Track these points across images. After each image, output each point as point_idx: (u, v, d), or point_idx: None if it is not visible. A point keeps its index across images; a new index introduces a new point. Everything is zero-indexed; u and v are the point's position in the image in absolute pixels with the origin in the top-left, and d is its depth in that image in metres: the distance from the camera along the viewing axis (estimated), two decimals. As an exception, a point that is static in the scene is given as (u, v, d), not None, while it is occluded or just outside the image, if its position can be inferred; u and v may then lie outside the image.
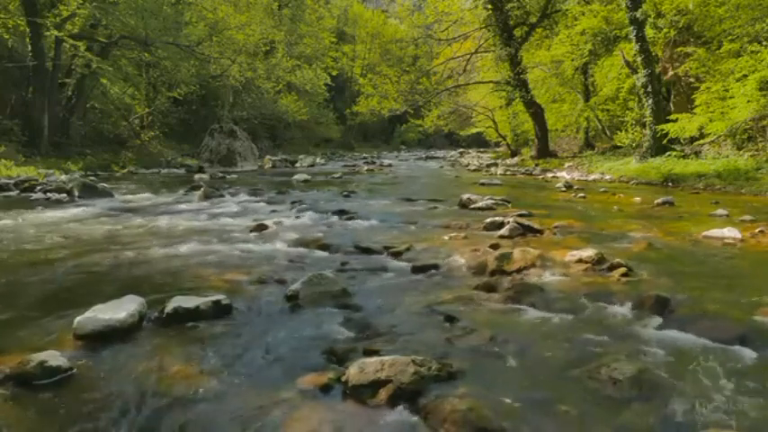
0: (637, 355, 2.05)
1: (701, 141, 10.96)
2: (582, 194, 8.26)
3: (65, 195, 7.49)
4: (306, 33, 29.80)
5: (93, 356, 2.04)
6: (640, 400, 1.73)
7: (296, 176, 12.04)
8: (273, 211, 6.32)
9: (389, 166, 18.65)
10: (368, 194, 8.63)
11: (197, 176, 12.67)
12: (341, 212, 5.93)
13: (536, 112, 18.42)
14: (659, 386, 1.81)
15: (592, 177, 12.05)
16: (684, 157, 11.31)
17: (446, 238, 4.42)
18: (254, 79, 20.49)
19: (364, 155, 28.31)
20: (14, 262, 3.63)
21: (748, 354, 2.07)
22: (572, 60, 17.35)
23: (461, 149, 34.68)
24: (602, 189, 9.20)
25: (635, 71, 13.09)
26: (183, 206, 6.77)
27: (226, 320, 2.47)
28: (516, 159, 19.32)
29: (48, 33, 13.02)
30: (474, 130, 28.43)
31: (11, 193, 8.02)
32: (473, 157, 24.12)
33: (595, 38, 16.30)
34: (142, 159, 15.87)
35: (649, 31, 12.89)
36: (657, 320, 2.45)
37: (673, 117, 11.12)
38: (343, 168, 16.57)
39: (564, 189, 9.28)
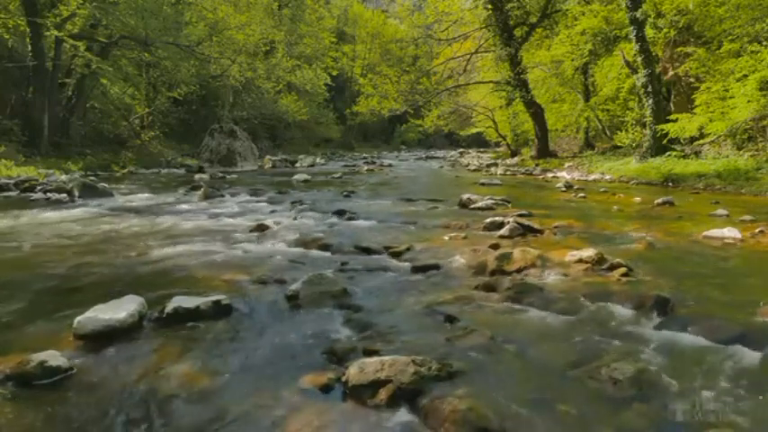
0: (637, 355, 2.05)
1: (701, 141, 10.96)
2: (582, 194, 8.26)
3: (65, 195, 7.48)
4: (306, 33, 29.81)
5: (94, 356, 2.04)
6: (640, 400, 1.73)
7: (296, 176, 12.04)
8: (273, 211, 6.32)
9: (389, 166, 18.65)
10: (368, 194, 8.63)
11: (197, 176, 12.67)
12: (341, 212, 5.93)
13: (536, 112, 18.42)
14: (659, 386, 1.81)
15: (592, 177, 12.04)
16: (684, 157, 11.31)
17: (446, 238, 4.42)
18: (254, 79, 20.49)
19: (364, 155, 28.30)
20: (15, 262, 3.63)
21: (748, 354, 2.06)
22: (572, 60, 17.35)
23: (461, 149, 34.67)
24: (602, 189, 9.20)
25: (635, 71, 13.09)
26: (183, 206, 6.77)
27: (226, 320, 2.47)
28: (516, 159, 19.32)
29: (48, 33, 13.02)
30: (474, 130, 28.43)
31: (11, 193, 8.02)
32: (473, 157, 24.11)
33: (595, 38, 16.30)
34: (142, 159, 15.87)
35: (649, 31, 12.89)
36: (657, 320, 2.45)
37: (673, 117, 11.12)
38: (343, 168, 16.58)
39: (564, 189, 9.28)
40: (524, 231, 4.51)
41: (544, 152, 18.29)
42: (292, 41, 27.21)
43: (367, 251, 3.95)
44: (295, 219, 5.57)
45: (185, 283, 3.09)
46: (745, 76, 9.57)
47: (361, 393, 1.75)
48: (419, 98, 21.69)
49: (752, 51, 9.69)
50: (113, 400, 1.73)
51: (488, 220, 4.88)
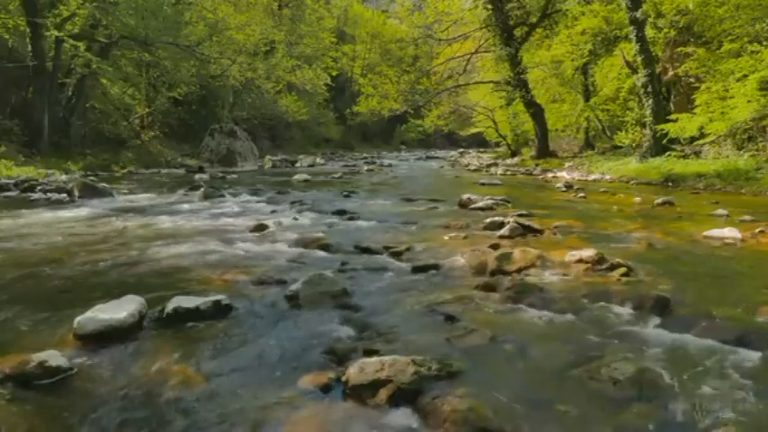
0: (637, 355, 2.05)
1: (701, 141, 10.95)
2: (582, 194, 8.26)
3: (65, 195, 7.49)
4: (306, 33, 29.79)
5: (94, 356, 2.04)
6: (640, 400, 1.73)
7: (296, 176, 12.04)
8: (273, 211, 6.32)
9: (389, 166, 18.65)
10: (368, 194, 8.63)
11: (197, 176, 12.67)
12: (341, 212, 5.94)
13: (536, 112, 18.43)
14: (659, 386, 1.81)
15: (592, 177, 12.04)
16: (684, 157, 11.31)
17: (446, 238, 4.42)
18: (254, 79, 20.48)
19: (364, 155, 28.30)
20: (15, 262, 3.63)
21: (748, 354, 2.06)
22: (572, 60, 17.36)
23: (461, 149, 34.66)
24: (602, 189, 9.21)
25: (635, 71, 13.09)
26: (183, 206, 6.78)
27: (226, 320, 2.47)
28: (516, 159, 19.32)
29: (48, 33, 13.02)
30: (474, 130, 28.39)
31: (11, 193, 8.02)
32: (473, 157, 24.11)
33: (595, 38, 16.31)
34: (142, 159, 15.86)
35: (649, 32, 12.88)
36: (657, 320, 2.45)
37: (673, 117, 11.11)
38: (343, 168, 16.57)
39: (564, 189, 9.28)
40: (524, 231, 4.51)
41: (544, 152, 18.29)
42: (292, 41, 27.19)
43: (367, 251, 3.95)
44: (296, 219, 5.57)
45: (185, 283, 3.09)
46: (745, 76, 9.56)
47: (362, 393, 1.75)
48: (419, 98, 21.70)
49: (752, 51, 9.68)
50: (114, 401, 1.73)
51: (488, 220, 4.88)
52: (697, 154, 11.41)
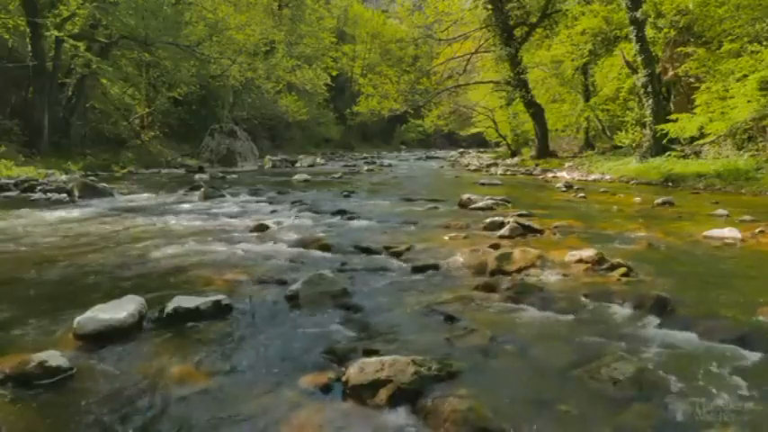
0: (637, 355, 2.05)
1: (701, 141, 10.95)
2: (582, 194, 8.26)
3: (65, 195, 7.49)
4: (306, 33, 29.78)
5: (94, 356, 2.04)
6: (640, 400, 1.73)
7: (296, 176, 12.04)
8: (274, 211, 6.32)
9: (389, 166, 18.65)
10: (368, 194, 8.63)
11: (197, 176, 12.67)
12: (341, 212, 5.94)
13: (536, 112, 18.42)
14: (659, 386, 1.81)
15: (592, 177, 12.04)
16: (684, 157, 11.31)
17: (446, 238, 4.42)
18: (254, 79, 20.47)
19: (364, 155, 28.30)
20: (15, 262, 3.63)
21: (748, 354, 2.07)
22: (572, 60, 17.36)
23: (461, 149, 34.66)
24: (602, 189, 9.21)
25: (635, 71, 13.09)
26: (183, 206, 6.78)
27: (226, 320, 2.47)
28: (516, 159, 19.31)
29: (48, 33, 13.01)
30: (474, 130, 28.38)
31: (11, 193, 8.02)
32: (473, 157, 24.10)
33: (595, 38, 16.32)
34: (142, 159, 15.86)
35: (649, 32, 12.89)
36: (657, 320, 2.45)
37: (673, 117, 11.11)
38: (343, 168, 16.57)
39: (564, 189, 9.28)
40: (524, 231, 4.51)
41: (544, 152, 18.29)
42: (292, 41, 27.17)
43: (367, 251, 3.96)
44: (296, 218, 5.57)
45: (185, 283, 3.09)
46: (745, 76, 9.56)
47: (362, 393, 1.75)
48: (419, 98, 21.70)
49: (752, 51, 9.68)
50: (113, 401, 1.73)
51: (488, 220, 4.88)
52: (697, 154, 11.41)
